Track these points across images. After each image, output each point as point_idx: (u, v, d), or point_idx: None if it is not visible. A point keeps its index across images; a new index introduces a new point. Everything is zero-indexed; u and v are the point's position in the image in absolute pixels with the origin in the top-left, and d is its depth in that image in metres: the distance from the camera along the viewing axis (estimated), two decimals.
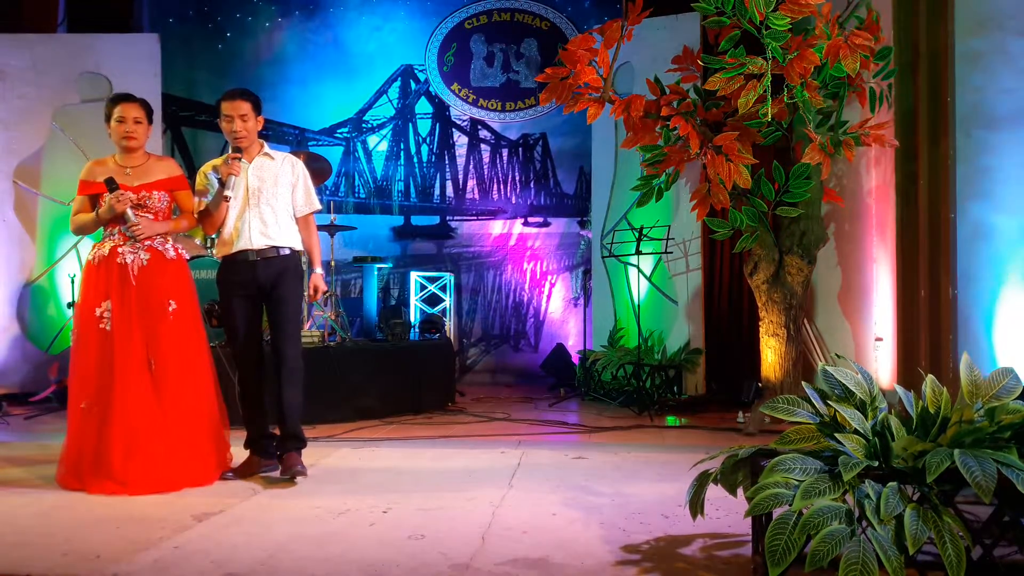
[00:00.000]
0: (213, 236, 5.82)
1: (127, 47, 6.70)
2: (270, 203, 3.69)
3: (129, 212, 3.48)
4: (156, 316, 3.48)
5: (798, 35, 4.31)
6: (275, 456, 3.74)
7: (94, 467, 3.32)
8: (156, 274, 3.53)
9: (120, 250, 3.50)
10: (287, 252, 3.72)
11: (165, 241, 3.61)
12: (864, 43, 4.23)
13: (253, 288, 3.67)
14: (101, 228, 3.59)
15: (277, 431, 3.78)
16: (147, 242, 3.53)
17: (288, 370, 3.66)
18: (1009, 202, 4.14)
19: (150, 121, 3.66)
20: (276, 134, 7.55)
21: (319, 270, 3.85)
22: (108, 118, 3.59)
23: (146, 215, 3.55)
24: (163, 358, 3.46)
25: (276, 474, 3.65)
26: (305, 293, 3.99)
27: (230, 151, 3.74)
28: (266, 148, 3.80)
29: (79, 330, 3.53)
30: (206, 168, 3.80)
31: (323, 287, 3.87)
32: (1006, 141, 4.15)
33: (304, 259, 3.90)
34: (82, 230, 3.66)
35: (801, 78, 4.30)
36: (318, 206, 3.91)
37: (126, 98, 3.61)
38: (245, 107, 3.68)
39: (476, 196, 8.55)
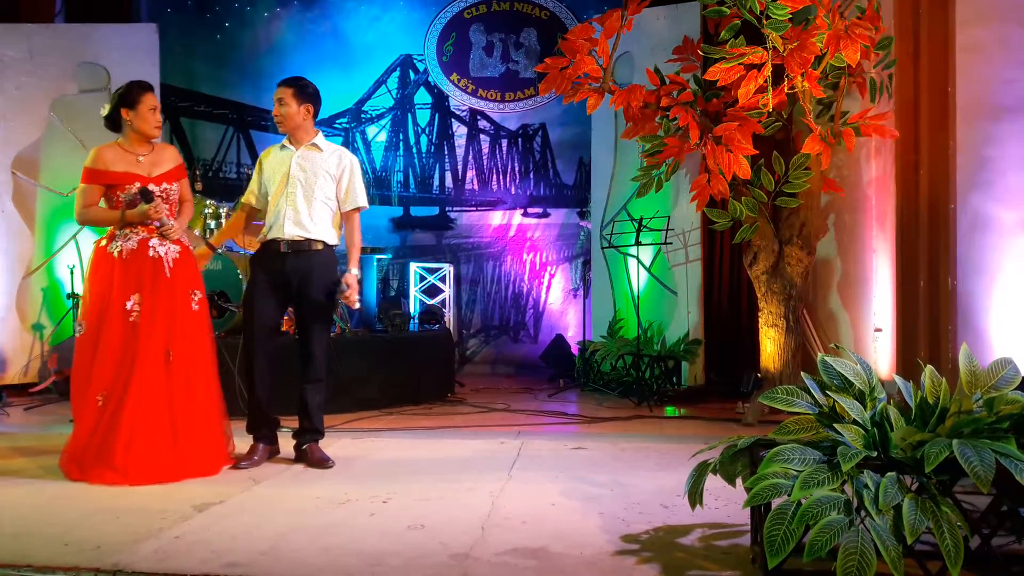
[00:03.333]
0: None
1: (125, 37, 6.67)
2: (307, 194, 3.66)
3: (165, 219, 3.49)
4: (181, 308, 3.49)
5: (798, 25, 4.29)
6: (275, 443, 3.81)
7: (97, 457, 3.31)
8: (185, 266, 3.56)
9: (151, 243, 3.49)
10: (320, 246, 3.67)
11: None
12: (865, 33, 4.22)
13: (280, 279, 3.66)
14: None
15: (280, 420, 3.83)
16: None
17: (315, 370, 3.69)
18: (1009, 193, 4.14)
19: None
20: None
21: (355, 271, 3.69)
22: (134, 104, 3.54)
23: (163, 206, 3.54)
24: (181, 349, 3.47)
25: (272, 465, 3.67)
26: (337, 292, 3.80)
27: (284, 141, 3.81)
28: (316, 139, 3.77)
29: (100, 322, 3.43)
30: (263, 156, 3.83)
31: (355, 288, 3.64)
32: (1007, 132, 4.15)
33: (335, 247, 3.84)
34: (95, 224, 3.60)
35: (801, 68, 4.29)
36: (363, 203, 3.80)
37: (152, 87, 3.63)
38: (284, 92, 3.69)
39: (475, 187, 8.54)
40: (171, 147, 3.80)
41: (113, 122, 3.61)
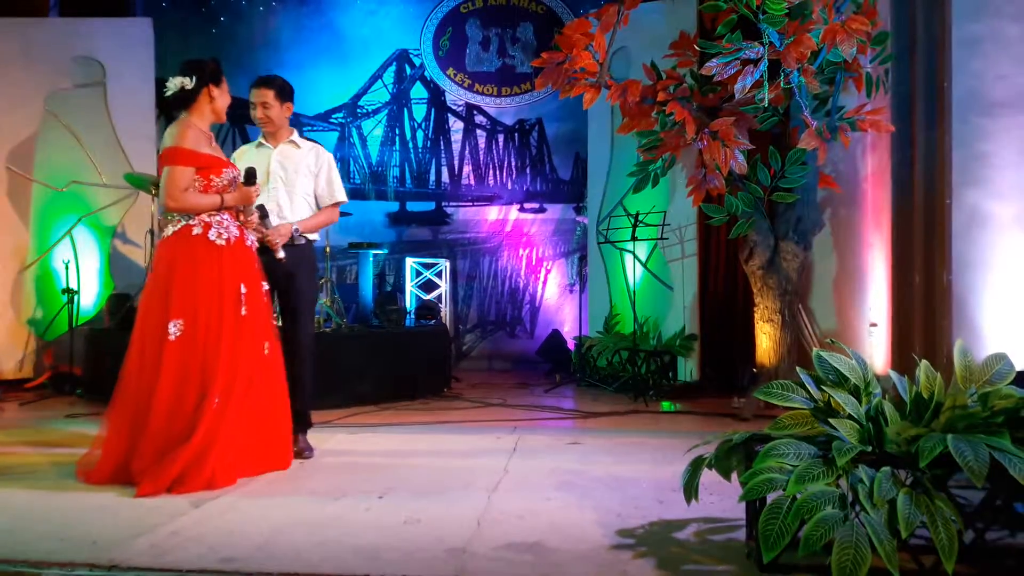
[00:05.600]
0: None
1: (120, 31, 6.65)
2: (289, 191, 3.73)
3: (255, 207, 3.43)
4: (262, 299, 3.41)
5: (795, 20, 4.29)
6: None
7: (192, 466, 3.04)
8: (259, 259, 3.48)
9: (247, 233, 3.42)
10: (303, 241, 3.75)
11: None
12: (861, 28, 4.21)
13: (268, 275, 3.65)
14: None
15: None
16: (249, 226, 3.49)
17: (303, 358, 3.69)
18: (1005, 188, 4.15)
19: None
20: None
21: (298, 227, 3.69)
22: (220, 83, 3.39)
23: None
24: (272, 339, 3.41)
25: None
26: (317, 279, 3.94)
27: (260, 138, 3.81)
28: (294, 136, 3.82)
29: (211, 317, 3.18)
30: (237, 156, 3.82)
31: (281, 235, 3.59)
32: (1002, 127, 4.15)
33: (315, 243, 3.89)
34: (195, 210, 3.24)
35: (798, 63, 4.28)
36: (342, 198, 3.87)
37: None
38: (267, 94, 3.72)
39: (472, 182, 8.53)
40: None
41: (186, 98, 3.34)
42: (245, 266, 3.33)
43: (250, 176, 3.39)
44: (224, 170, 3.31)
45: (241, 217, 3.44)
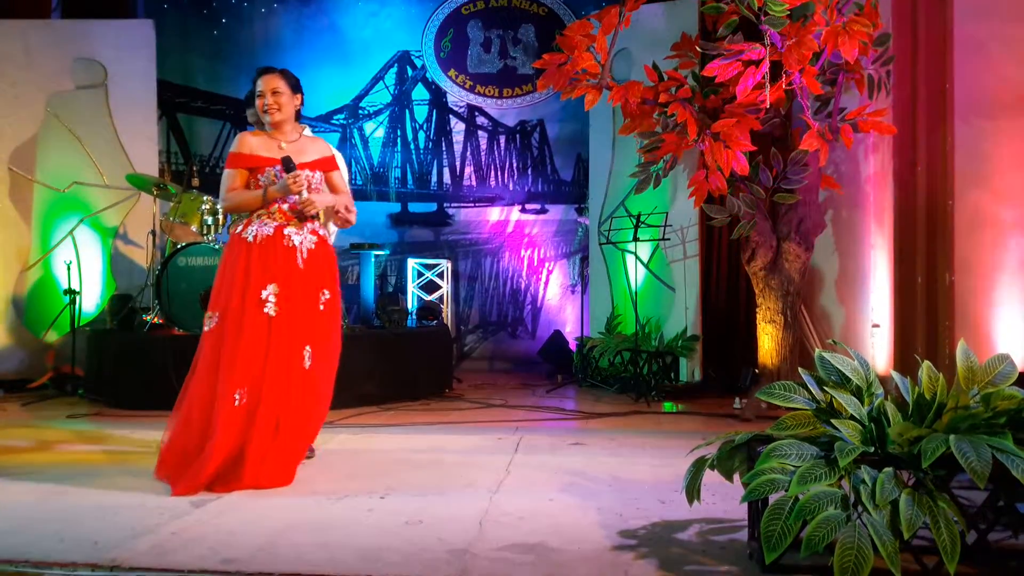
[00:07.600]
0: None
1: (122, 33, 6.66)
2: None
3: (304, 192, 3.32)
4: (312, 305, 3.30)
5: (796, 21, 4.29)
6: None
7: (227, 468, 3.07)
8: (319, 261, 3.35)
9: (287, 231, 3.30)
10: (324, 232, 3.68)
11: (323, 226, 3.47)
12: (863, 29, 4.22)
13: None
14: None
15: None
16: (310, 224, 3.37)
17: None
18: (1007, 189, 4.15)
19: (293, 91, 3.47)
20: None
21: (325, 199, 3.49)
22: (252, 95, 3.45)
23: (304, 179, 3.35)
24: (316, 350, 3.28)
25: None
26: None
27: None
28: (305, 132, 3.77)
29: (233, 313, 3.20)
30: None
31: (309, 198, 3.33)
32: (1005, 129, 4.15)
33: (332, 236, 3.83)
34: (238, 208, 3.40)
35: (799, 64, 4.28)
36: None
37: (265, 71, 3.44)
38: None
39: (473, 183, 8.53)
40: (319, 140, 3.62)
41: None
42: (277, 265, 3.26)
43: (287, 164, 3.34)
44: (267, 168, 3.36)
45: (288, 204, 3.35)
